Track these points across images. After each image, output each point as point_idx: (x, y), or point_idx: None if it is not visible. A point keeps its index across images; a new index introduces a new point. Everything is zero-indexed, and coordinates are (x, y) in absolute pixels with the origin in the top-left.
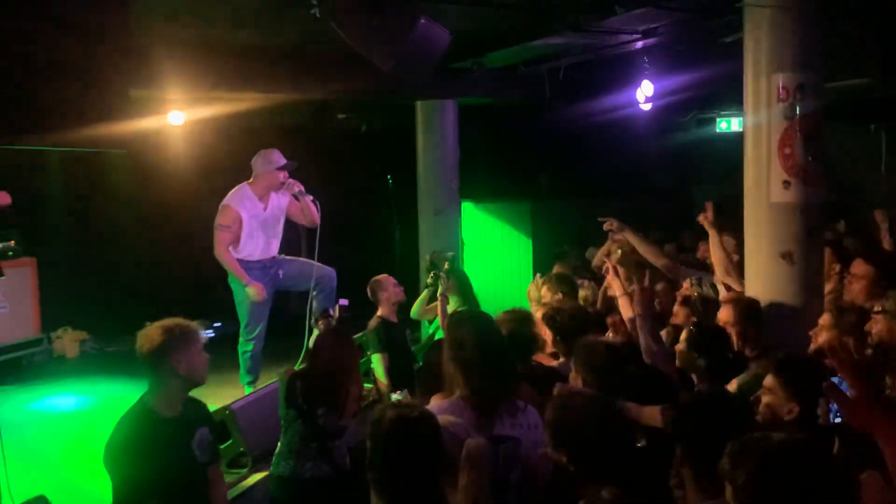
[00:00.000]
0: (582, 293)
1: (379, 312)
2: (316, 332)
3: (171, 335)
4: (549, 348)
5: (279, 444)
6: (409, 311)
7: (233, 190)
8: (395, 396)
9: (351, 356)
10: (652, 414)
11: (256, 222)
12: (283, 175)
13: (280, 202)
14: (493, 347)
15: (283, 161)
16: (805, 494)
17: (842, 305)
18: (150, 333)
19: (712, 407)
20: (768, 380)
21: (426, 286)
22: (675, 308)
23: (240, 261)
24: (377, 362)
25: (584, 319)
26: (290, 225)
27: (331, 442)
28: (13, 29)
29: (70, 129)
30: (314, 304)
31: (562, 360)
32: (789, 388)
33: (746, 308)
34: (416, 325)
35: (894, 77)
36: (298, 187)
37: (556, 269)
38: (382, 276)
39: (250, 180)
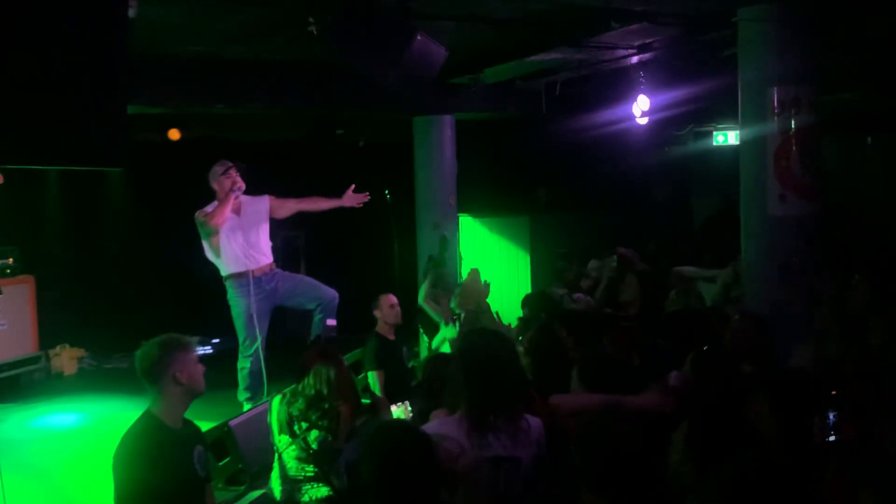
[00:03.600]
0: (579, 307)
1: (376, 328)
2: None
3: (170, 346)
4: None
5: (274, 467)
6: (408, 327)
7: None
8: (395, 411)
9: (340, 378)
10: (650, 398)
11: (227, 227)
12: (230, 178)
13: (257, 207)
14: (503, 367)
15: (223, 167)
16: None
17: (845, 316)
18: (148, 349)
19: (727, 428)
20: (759, 398)
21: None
22: None
23: (234, 275)
24: (373, 379)
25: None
26: (288, 241)
27: (326, 465)
28: (7, 46)
29: (67, 146)
30: (314, 324)
31: None
32: (774, 407)
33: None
34: (413, 341)
35: (890, 90)
36: (239, 184)
37: (552, 289)
38: (384, 296)
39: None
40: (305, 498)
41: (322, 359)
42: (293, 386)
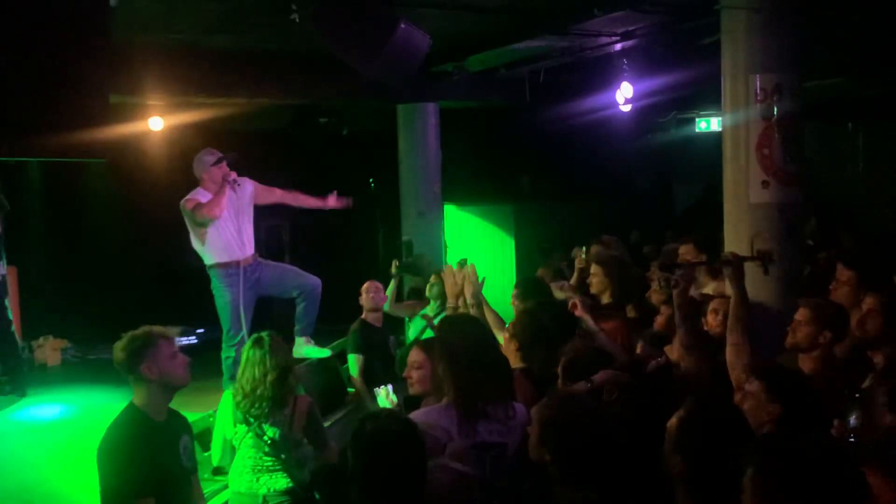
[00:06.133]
0: (562, 295)
1: (362, 315)
2: (298, 342)
3: (135, 345)
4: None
5: (235, 459)
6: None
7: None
8: (380, 396)
9: (287, 365)
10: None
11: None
12: (222, 169)
13: (242, 193)
14: (483, 352)
15: (214, 157)
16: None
17: (819, 301)
18: (120, 344)
19: (718, 418)
20: (750, 385)
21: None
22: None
23: (221, 265)
24: (353, 363)
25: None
26: (272, 231)
27: (285, 454)
28: None
29: (49, 137)
30: (298, 313)
31: None
32: (772, 394)
33: None
34: (401, 330)
35: (871, 76)
36: (232, 176)
37: (539, 273)
38: (367, 282)
39: (201, 185)
40: (264, 489)
41: (253, 345)
42: (239, 380)
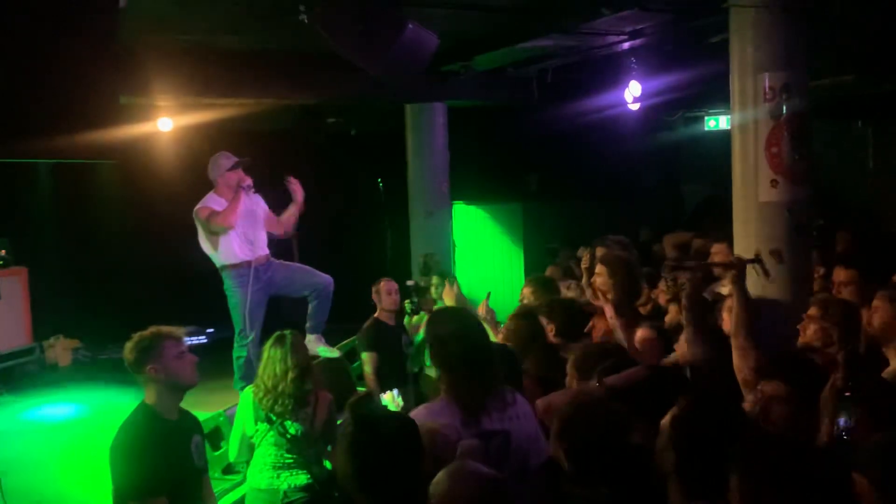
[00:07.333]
0: (571, 294)
1: (375, 314)
2: (309, 340)
3: (142, 345)
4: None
5: (254, 456)
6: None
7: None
8: (385, 399)
9: (308, 363)
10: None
11: None
12: (237, 174)
13: (254, 199)
14: (474, 343)
15: (231, 161)
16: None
17: (828, 298)
18: (129, 345)
19: (714, 413)
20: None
21: (405, 313)
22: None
23: (233, 265)
24: (365, 361)
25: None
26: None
27: (306, 451)
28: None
29: (60, 138)
30: (310, 311)
31: None
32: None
33: None
34: None
35: (879, 74)
36: (248, 182)
37: (548, 272)
38: (385, 282)
39: (215, 188)
40: (284, 485)
41: (275, 343)
42: (260, 377)
